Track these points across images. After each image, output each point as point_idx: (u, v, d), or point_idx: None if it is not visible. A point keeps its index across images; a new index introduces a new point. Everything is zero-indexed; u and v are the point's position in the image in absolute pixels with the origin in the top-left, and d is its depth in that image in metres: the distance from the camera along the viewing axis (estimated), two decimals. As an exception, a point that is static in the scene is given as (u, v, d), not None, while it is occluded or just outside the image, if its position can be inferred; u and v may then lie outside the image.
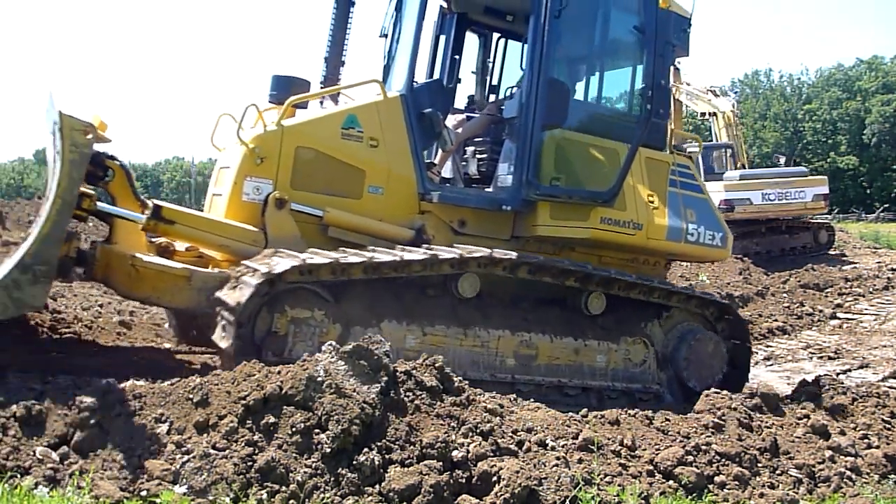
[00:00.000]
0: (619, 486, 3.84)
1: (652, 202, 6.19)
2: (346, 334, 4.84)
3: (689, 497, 3.98)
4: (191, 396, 4.02)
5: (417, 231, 5.63)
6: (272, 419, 3.77)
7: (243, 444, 3.67)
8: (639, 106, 6.12)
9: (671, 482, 4.04)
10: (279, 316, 4.65)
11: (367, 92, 5.83)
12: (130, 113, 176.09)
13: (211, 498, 3.41)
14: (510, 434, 4.10)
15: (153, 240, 5.39)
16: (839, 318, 12.18)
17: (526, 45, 6.05)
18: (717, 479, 4.13)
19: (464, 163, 6.47)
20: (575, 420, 4.53)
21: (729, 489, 4.07)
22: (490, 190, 6.06)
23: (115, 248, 5.12)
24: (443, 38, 6.93)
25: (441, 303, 5.31)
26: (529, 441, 4.05)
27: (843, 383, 5.69)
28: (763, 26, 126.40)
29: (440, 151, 6.38)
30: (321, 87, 6.08)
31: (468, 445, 3.80)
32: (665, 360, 6.19)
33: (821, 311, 12.59)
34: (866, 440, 4.87)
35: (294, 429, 3.70)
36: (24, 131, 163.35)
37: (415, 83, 5.92)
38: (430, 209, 5.74)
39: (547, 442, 4.09)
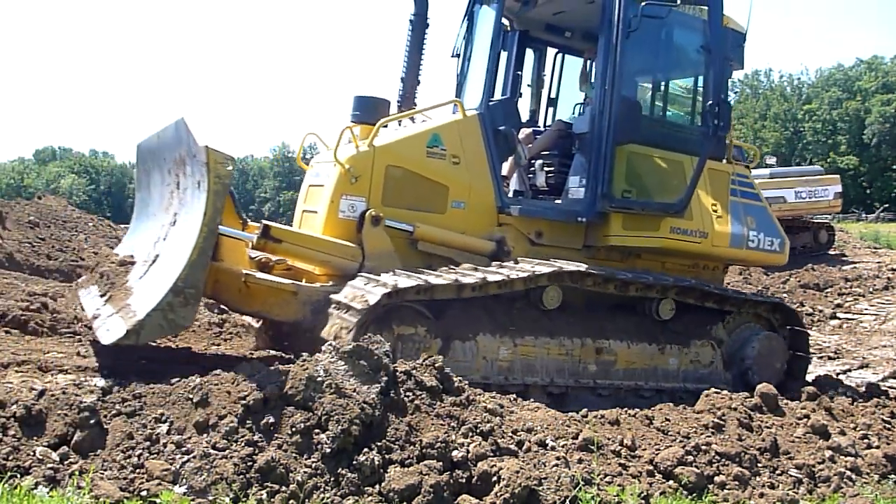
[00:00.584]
0: (619, 486, 3.84)
1: (715, 211, 6.47)
2: (446, 348, 5.10)
3: (689, 497, 3.97)
4: (191, 396, 4.02)
5: (498, 243, 5.90)
6: (272, 419, 3.77)
7: (243, 444, 3.67)
8: (702, 119, 6.37)
9: (671, 482, 4.04)
10: (387, 333, 4.84)
11: (443, 110, 6.15)
12: (131, 113, 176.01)
13: (211, 498, 3.41)
14: (510, 434, 4.10)
15: (253, 256, 5.67)
16: (839, 318, 12.18)
17: (594, 63, 6.34)
18: (717, 479, 4.13)
19: (530, 175, 6.69)
20: (575, 420, 4.53)
21: (729, 489, 4.07)
22: (560, 201, 6.28)
23: (223, 266, 5.38)
24: (504, 54, 7.17)
25: (528, 315, 5.55)
26: (529, 441, 4.05)
27: (843, 383, 5.69)
28: (763, 26, 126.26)
29: (508, 165, 6.59)
30: (398, 106, 6.39)
31: (468, 445, 3.80)
32: (730, 360, 6.40)
33: (821, 311, 12.59)
34: (866, 440, 4.87)
35: (294, 429, 3.70)
36: (23, 131, 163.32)
37: (489, 101, 6.20)
38: (508, 221, 6.02)
39: (547, 442, 4.09)
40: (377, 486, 3.57)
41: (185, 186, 5.00)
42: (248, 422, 3.78)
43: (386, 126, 5.94)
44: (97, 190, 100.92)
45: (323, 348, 4.09)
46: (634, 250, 6.39)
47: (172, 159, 5.18)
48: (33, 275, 12.52)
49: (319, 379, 3.87)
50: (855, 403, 5.42)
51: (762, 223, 6.71)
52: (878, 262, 17.74)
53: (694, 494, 4.00)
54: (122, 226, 26.70)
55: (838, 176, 20.30)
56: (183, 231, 4.79)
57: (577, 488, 3.64)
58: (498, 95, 6.76)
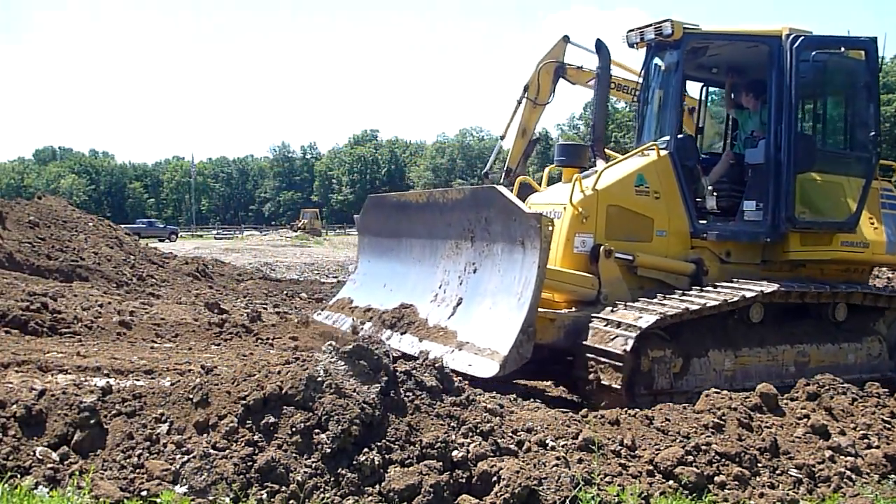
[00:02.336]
0: (619, 486, 3.84)
1: (872, 223, 7.34)
2: (686, 366, 5.87)
3: (689, 497, 3.97)
4: (191, 396, 4.02)
5: (696, 264, 6.78)
6: (272, 419, 3.77)
7: (243, 444, 3.67)
8: (862, 146, 7.27)
9: (671, 482, 4.04)
10: (644, 357, 5.59)
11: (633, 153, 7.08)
12: (131, 113, 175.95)
13: (211, 498, 3.41)
14: (510, 434, 4.10)
15: None
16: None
17: (769, 103, 6.98)
18: (717, 479, 4.12)
19: (698, 199, 7.42)
20: (575, 420, 4.53)
21: (729, 489, 4.07)
22: (734, 223, 7.08)
23: None
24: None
25: (739, 329, 6.34)
26: (529, 441, 4.05)
27: (842, 383, 5.69)
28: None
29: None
30: (591, 147, 7.43)
31: (468, 445, 3.80)
32: (892, 350, 7.21)
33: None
34: (866, 440, 4.87)
35: (294, 429, 3.70)
36: (23, 131, 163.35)
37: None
38: (701, 245, 6.87)
39: (547, 442, 4.09)
40: (377, 486, 3.57)
41: (488, 241, 5.91)
42: (248, 422, 3.78)
43: (586, 169, 7.04)
44: (97, 190, 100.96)
45: (322, 348, 4.09)
46: (805, 262, 7.27)
47: (467, 218, 6.12)
48: (33, 275, 12.52)
49: (319, 379, 3.87)
50: (855, 403, 5.41)
51: None
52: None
53: (694, 494, 3.99)
54: (123, 226, 26.73)
55: None
56: (509, 280, 5.57)
57: (577, 488, 3.64)
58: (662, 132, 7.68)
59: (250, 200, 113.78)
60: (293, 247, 41.36)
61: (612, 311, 5.83)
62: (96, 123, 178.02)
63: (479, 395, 4.41)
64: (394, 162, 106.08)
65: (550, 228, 5.33)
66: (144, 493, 3.45)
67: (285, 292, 15.89)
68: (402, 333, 6.28)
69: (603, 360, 5.49)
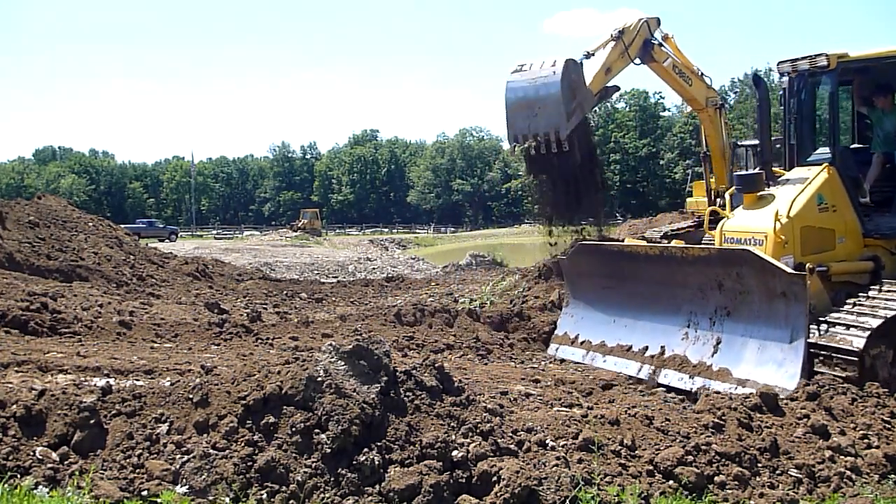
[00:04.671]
0: (619, 486, 3.84)
1: None
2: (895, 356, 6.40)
3: (689, 497, 3.97)
4: (191, 396, 4.02)
5: (874, 260, 7.45)
6: (272, 419, 3.77)
7: (243, 444, 3.67)
8: None
9: (671, 482, 4.04)
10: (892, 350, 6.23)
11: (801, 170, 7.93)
12: (131, 113, 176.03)
13: (211, 498, 3.41)
14: (510, 434, 4.10)
15: None
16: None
17: None
18: (717, 479, 4.12)
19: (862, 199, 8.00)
20: (575, 420, 4.53)
21: (729, 489, 4.07)
22: (890, 216, 7.78)
23: None
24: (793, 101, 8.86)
25: None
26: (529, 441, 4.05)
27: (842, 383, 5.69)
28: (763, 26, 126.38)
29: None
30: (758, 168, 8.47)
31: (468, 445, 3.80)
32: None
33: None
34: (866, 440, 4.87)
35: (294, 429, 3.70)
36: (23, 131, 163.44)
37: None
38: (874, 243, 7.53)
39: (547, 442, 4.09)
40: (377, 486, 3.57)
41: (741, 290, 6.72)
42: (248, 422, 3.78)
43: (764, 191, 7.83)
44: (97, 190, 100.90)
45: (322, 348, 4.09)
46: None
47: (714, 271, 6.95)
48: (33, 275, 12.52)
49: (319, 379, 3.87)
50: (855, 403, 5.41)
51: None
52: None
53: (694, 494, 4.00)
54: (123, 226, 26.72)
55: None
56: (774, 324, 6.37)
57: (577, 488, 3.64)
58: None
59: (250, 200, 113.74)
60: (293, 247, 41.37)
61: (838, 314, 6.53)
62: (96, 123, 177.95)
63: (479, 395, 4.41)
64: (394, 162, 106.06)
65: (809, 282, 6.26)
66: (144, 493, 3.45)
67: (285, 292, 15.89)
68: (663, 368, 7.11)
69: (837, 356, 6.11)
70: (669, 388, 6.81)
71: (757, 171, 8.26)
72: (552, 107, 11.52)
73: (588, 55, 12.71)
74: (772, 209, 7.29)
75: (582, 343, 8.21)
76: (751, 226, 7.58)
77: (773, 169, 8.53)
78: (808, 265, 6.94)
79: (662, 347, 7.26)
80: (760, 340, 6.47)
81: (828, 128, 8.09)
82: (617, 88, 13.70)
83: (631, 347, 7.58)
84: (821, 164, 7.67)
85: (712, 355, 6.76)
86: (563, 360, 8.19)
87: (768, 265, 6.40)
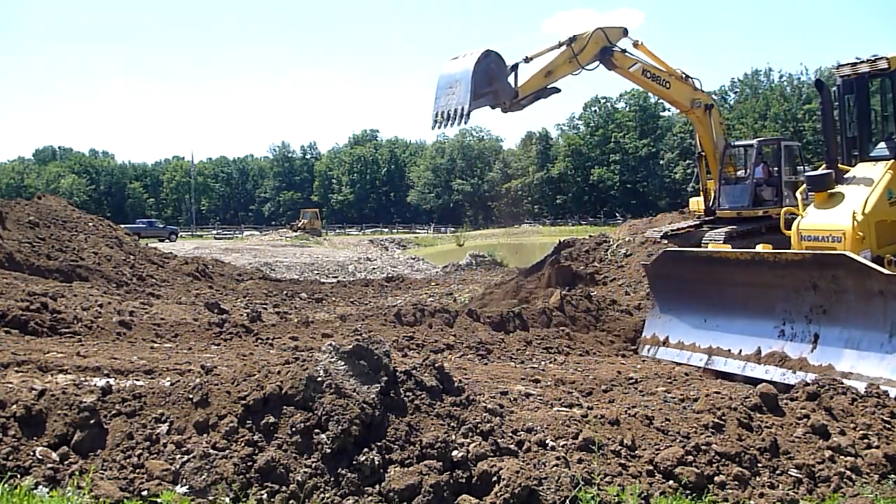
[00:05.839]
0: (619, 486, 3.84)
1: None
2: None
3: (689, 497, 3.97)
4: (191, 396, 4.02)
5: None
6: (272, 419, 3.77)
7: (243, 444, 3.67)
8: None
9: (671, 482, 4.04)
10: None
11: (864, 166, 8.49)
12: (131, 113, 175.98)
13: (211, 498, 3.41)
14: (510, 434, 4.10)
15: None
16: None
17: None
18: (717, 479, 4.12)
19: None
20: (575, 420, 4.52)
21: (729, 489, 4.07)
22: None
23: None
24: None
25: None
26: (529, 441, 4.05)
27: (843, 383, 5.69)
28: (763, 26, 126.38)
29: None
30: (826, 167, 8.66)
31: (468, 445, 3.80)
32: None
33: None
34: (866, 440, 4.87)
35: (294, 429, 3.70)
36: (23, 131, 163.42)
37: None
38: None
39: (547, 442, 4.09)
40: (377, 486, 3.57)
41: (836, 290, 7.03)
42: (248, 422, 3.78)
43: (833, 190, 8.28)
44: (97, 190, 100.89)
45: (322, 348, 4.09)
46: None
47: (809, 274, 7.25)
48: (33, 275, 12.52)
49: (319, 379, 3.87)
50: (855, 403, 5.41)
51: None
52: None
53: (694, 494, 4.00)
54: (123, 226, 26.71)
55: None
56: (872, 322, 6.70)
57: (577, 488, 3.64)
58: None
59: (250, 200, 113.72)
60: (293, 247, 41.37)
61: None
62: (96, 123, 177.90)
63: (479, 395, 4.41)
64: (394, 162, 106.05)
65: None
66: (144, 493, 3.45)
67: (285, 292, 15.90)
68: (763, 364, 7.42)
69: None
70: (771, 383, 6.93)
71: (825, 170, 8.65)
72: (464, 85, 12.44)
73: (527, 59, 13.67)
74: (846, 207, 7.82)
75: (675, 344, 8.58)
76: (828, 224, 8.08)
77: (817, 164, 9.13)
78: (886, 257, 7.55)
79: (759, 345, 7.55)
80: (860, 336, 6.80)
81: (886, 124, 8.74)
82: (557, 90, 14.43)
83: (727, 346, 7.91)
84: (882, 160, 8.25)
85: (811, 351, 7.08)
86: (659, 361, 8.53)
87: (864, 268, 6.78)
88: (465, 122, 12.67)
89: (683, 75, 15.83)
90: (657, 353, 8.67)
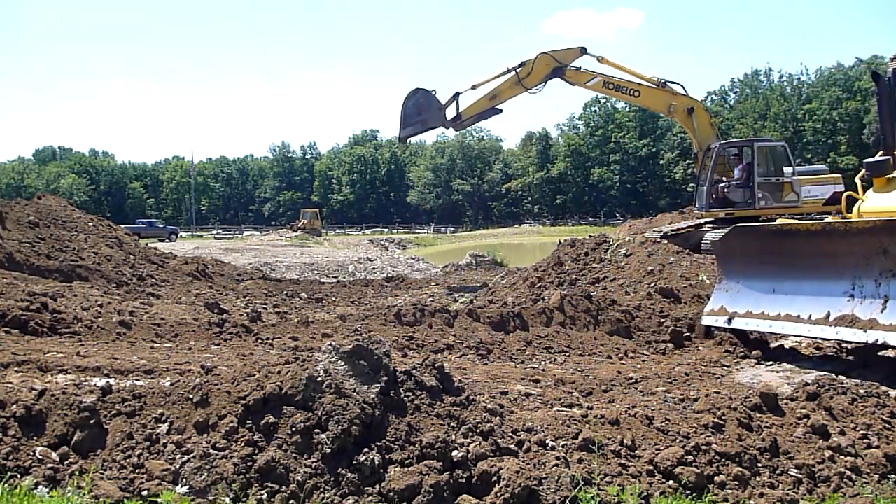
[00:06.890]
0: (619, 486, 3.84)
1: None
2: None
3: (689, 497, 3.97)
4: (191, 396, 4.02)
5: None
6: (272, 419, 3.77)
7: (243, 444, 3.67)
8: None
9: (671, 482, 4.04)
10: None
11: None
12: (131, 113, 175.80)
13: (211, 498, 3.41)
14: (510, 434, 4.10)
15: None
16: (839, 318, 12.11)
17: None
18: (717, 479, 4.12)
19: None
20: (575, 420, 4.52)
21: (729, 489, 4.07)
22: None
23: None
24: None
25: None
26: (529, 441, 4.05)
27: (843, 383, 5.69)
28: (763, 26, 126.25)
29: None
30: (884, 153, 8.80)
31: (468, 445, 3.80)
32: None
33: (821, 310, 12.53)
34: (866, 440, 4.87)
35: (294, 429, 3.70)
36: (23, 131, 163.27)
37: None
38: None
39: (547, 442, 4.09)
40: (377, 486, 3.57)
41: None
42: (248, 422, 3.78)
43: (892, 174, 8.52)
44: (97, 190, 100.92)
45: (322, 348, 4.09)
46: None
47: (878, 239, 7.34)
48: (33, 275, 12.52)
49: (319, 379, 3.87)
50: (855, 403, 5.41)
51: None
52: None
53: (694, 494, 4.00)
54: (123, 226, 26.72)
55: (840, 175, 20.42)
56: None
57: (577, 488, 3.64)
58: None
59: (250, 200, 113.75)
60: (293, 247, 41.37)
61: None
62: (96, 123, 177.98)
63: (479, 395, 4.41)
64: (394, 162, 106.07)
65: None
66: (144, 493, 3.45)
67: (285, 292, 15.90)
68: (834, 326, 7.56)
69: None
70: (841, 342, 7.61)
71: (883, 157, 9.01)
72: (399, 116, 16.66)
73: (474, 87, 16.47)
74: None
75: (744, 314, 8.84)
76: (888, 206, 8.44)
77: None
78: None
79: (828, 310, 7.73)
80: None
81: None
82: (499, 111, 17.11)
83: (796, 312, 8.13)
84: None
85: (881, 311, 7.25)
86: (725, 330, 8.92)
87: None
88: (403, 143, 20.02)
89: (661, 82, 16.93)
90: (727, 323, 9.00)
